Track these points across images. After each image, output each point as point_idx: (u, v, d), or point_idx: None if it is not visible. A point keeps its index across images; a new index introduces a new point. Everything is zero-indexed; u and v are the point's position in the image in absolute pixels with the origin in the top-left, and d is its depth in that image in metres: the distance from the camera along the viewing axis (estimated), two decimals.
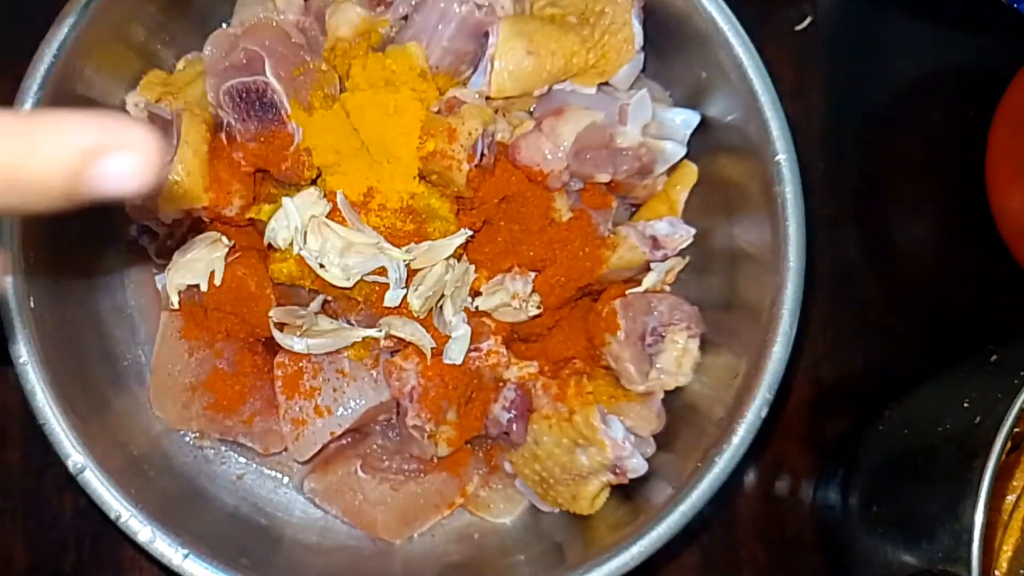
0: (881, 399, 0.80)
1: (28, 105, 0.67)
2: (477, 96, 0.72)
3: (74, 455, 0.65)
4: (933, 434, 0.66)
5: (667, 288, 0.78)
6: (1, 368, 0.81)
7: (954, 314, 0.87)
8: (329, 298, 0.72)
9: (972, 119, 0.87)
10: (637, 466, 0.71)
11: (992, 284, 0.87)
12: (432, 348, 0.71)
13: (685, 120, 0.75)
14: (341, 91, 0.72)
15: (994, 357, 0.69)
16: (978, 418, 0.62)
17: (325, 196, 0.70)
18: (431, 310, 0.71)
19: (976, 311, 0.87)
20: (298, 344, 0.71)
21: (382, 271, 0.69)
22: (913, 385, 0.76)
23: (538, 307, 0.73)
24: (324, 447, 0.74)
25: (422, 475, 0.77)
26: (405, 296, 0.70)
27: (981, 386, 0.66)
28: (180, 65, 0.77)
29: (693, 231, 0.76)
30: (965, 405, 0.65)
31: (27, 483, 0.81)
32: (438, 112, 0.71)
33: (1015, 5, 0.75)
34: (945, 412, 0.67)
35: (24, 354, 0.66)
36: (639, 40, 0.72)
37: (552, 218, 0.73)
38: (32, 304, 0.67)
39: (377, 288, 0.70)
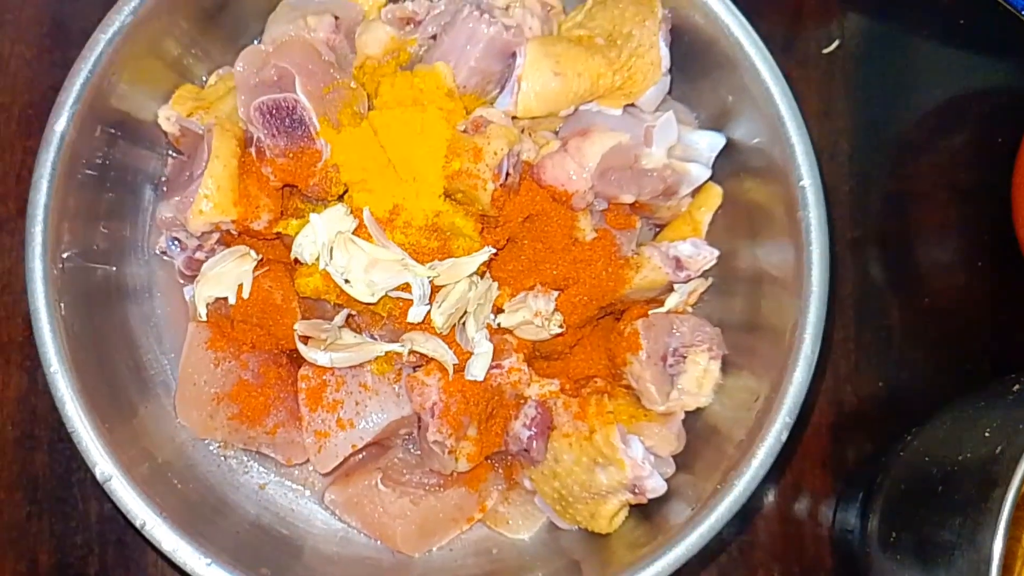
0: (902, 424, 0.79)
1: (64, 118, 0.68)
2: (503, 116, 0.72)
3: (102, 463, 0.66)
4: (953, 462, 0.66)
5: (689, 309, 0.78)
6: (30, 374, 0.82)
7: (977, 341, 0.87)
8: (353, 312, 0.73)
9: (999, 144, 0.87)
10: (656, 486, 0.71)
11: (1017, 311, 0.87)
12: (454, 364, 0.72)
13: (710, 142, 0.75)
14: (369, 109, 0.73)
15: (1016, 387, 0.69)
16: (999, 448, 0.62)
17: (352, 212, 0.70)
18: (454, 326, 0.72)
19: (999, 338, 0.87)
20: (322, 357, 0.72)
21: (406, 287, 0.70)
22: (934, 411, 0.76)
23: (560, 325, 0.73)
24: (346, 460, 0.75)
25: (441, 489, 0.78)
26: (428, 312, 0.71)
27: (1003, 416, 0.66)
28: (212, 80, 0.79)
29: (716, 253, 0.76)
30: (986, 434, 0.65)
31: (53, 488, 0.82)
32: (464, 131, 0.71)
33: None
34: (966, 440, 0.67)
35: (55, 363, 0.67)
36: (666, 63, 0.73)
37: (576, 237, 0.74)
38: (63, 311, 0.68)
39: (401, 304, 0.71)
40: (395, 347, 0.72)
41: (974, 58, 0.89)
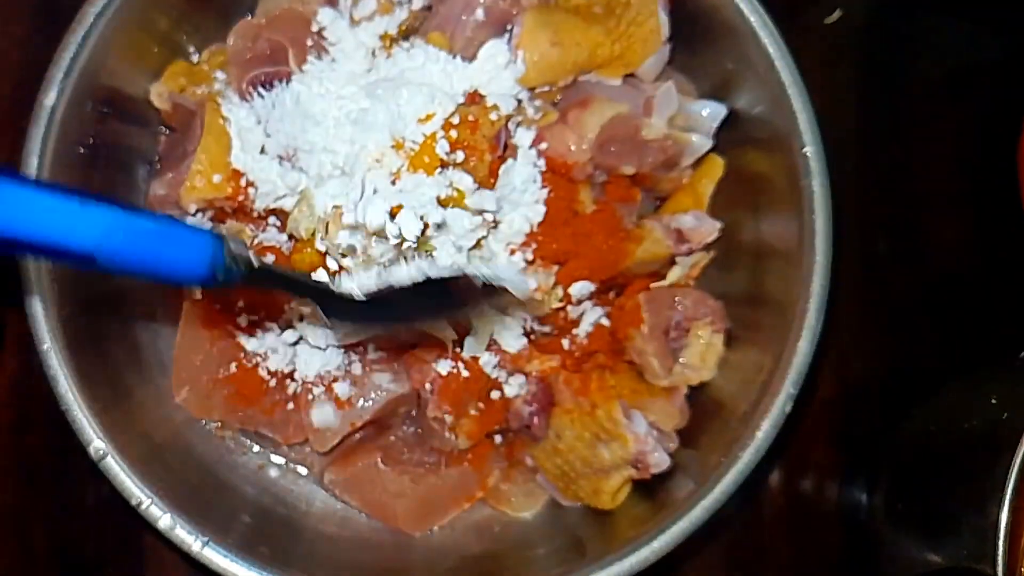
0: (908, 397, 0.79)
1: (54, 92, 0.67)
2: None
3: (96, 441, 0.66)
4: (959, 431, 0.66)
5: (692, 282, 0.77)
6: (27, 355, 0.82)
7: (983, 313, 0.86)
8: None
9: (1004, 116, 0.86)
10: (659, 461, 0.71)
11: (1022, 282, 0.86)
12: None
13: (712, 112, 0.74)
14: None
15: (1023, 354, 0.69)
16: (1005, 415, 0.61)
17: None
18: None
19: (1005, 310, 0.86)
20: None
21: None
22: (940, 384, 0.75)
23: (560, 300, 0.72)
24: (345, 438, 0.74)
25: (442, 468, 0.77)
26: None
27: (1009, 384, 0.65)
28: (204, 56, 0.77)
29: (719, 225, 0.75)
30: (992, 402, 0.64)
31: (50, 469, 0.81)
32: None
33: None
34: (972, 409, 0.66)
35: (47, 340, 0.66)
36: (665, 31, 0.72)
37: (576, 210, 0.72)
38: (56, 290, 0.67)
39: None
40: None
41: (977, 30, 0.88)
